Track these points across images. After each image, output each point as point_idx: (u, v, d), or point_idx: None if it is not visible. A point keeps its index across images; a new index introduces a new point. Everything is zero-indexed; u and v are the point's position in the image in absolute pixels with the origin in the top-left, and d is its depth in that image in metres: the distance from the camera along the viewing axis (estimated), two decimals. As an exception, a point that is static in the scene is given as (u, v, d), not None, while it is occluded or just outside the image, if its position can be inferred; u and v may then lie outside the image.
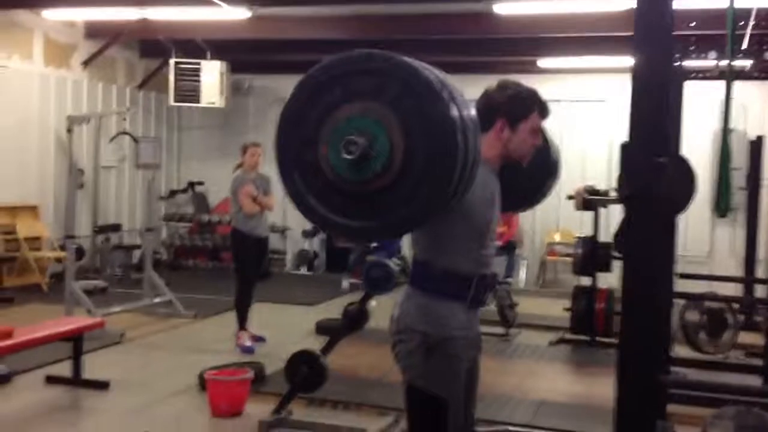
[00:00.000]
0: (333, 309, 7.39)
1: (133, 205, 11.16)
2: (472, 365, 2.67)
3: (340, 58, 2.22)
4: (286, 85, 11.59)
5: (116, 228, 10.53)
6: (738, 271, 9.09)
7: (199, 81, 10.22)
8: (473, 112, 2.29)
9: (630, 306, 2.01)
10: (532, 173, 2.87)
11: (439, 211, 2.21)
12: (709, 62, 4.76)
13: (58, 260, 9.05)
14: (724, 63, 4.72)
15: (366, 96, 2.17)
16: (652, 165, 1.95)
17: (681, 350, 6.32)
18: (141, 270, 8.43)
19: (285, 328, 7.40)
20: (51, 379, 5.35)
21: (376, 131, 2.13)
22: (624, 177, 2.02)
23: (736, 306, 6.78)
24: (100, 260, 10.44)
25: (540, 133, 2.68)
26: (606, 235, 7.36)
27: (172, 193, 12.00)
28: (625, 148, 2.00)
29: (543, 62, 10.04)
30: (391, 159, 2.13)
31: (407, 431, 2.56)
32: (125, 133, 9.94)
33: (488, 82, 2.67)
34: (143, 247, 8.48)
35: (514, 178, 2.74)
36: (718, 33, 4.39)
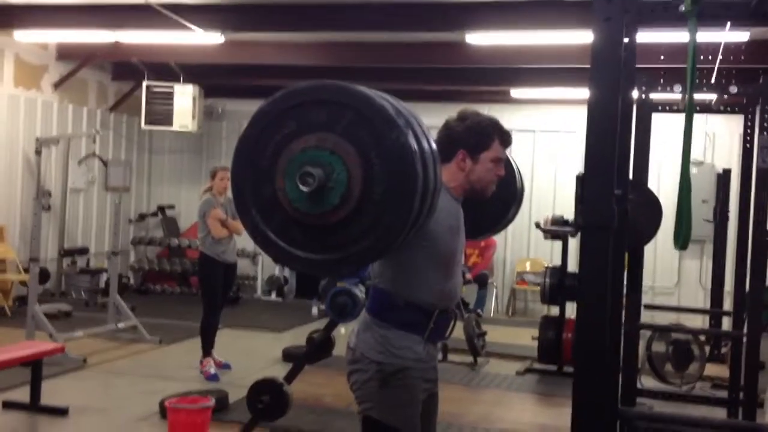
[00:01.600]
0: (302, 336, 7.31)
1: (101, 228, 11.02)
2: (430, 396, 2.64)
3: (290, 90, 2.20)
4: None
5: (83, 251, 10.40)
6: (705, 302, 9.16)
7: (171, 104, 10.16)
8: (432, 141, 2.27)
9: (583, 340, 1.99)
10: (496, 200, 2.87)
11: (400, 242, 2.18)
12: (676, 95, 4.81)
13: (23, 283, 8.89)
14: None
15: (320, 127, 2.15)
16: (605, 196, 1.95)
17: (647, 381, 6.33)
18: (107, 294, 8.30)
19: (252, 354, 7.31)
20: (8, 405, 5.24)
21: (333, 162, 2.11)
22: (578, 208, 2.01)
23: (702, 338, 6.82)
24: (65, 284, 10.29)
25: (503, 162, 2.66)
26: (576, 264, 7.37)
27: (142, 217, 11.87)
28: (580, 179, 1.99)
29: (516, 92, 10.12)
30: (349, 190, 2.10)
31: None
32: (95, 155, 9.85)
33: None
34: (109, 271, 8.36)
35: (478, 205, 2.74)
36: (685, 66, 4.45)
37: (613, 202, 2.02)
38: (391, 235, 2.14)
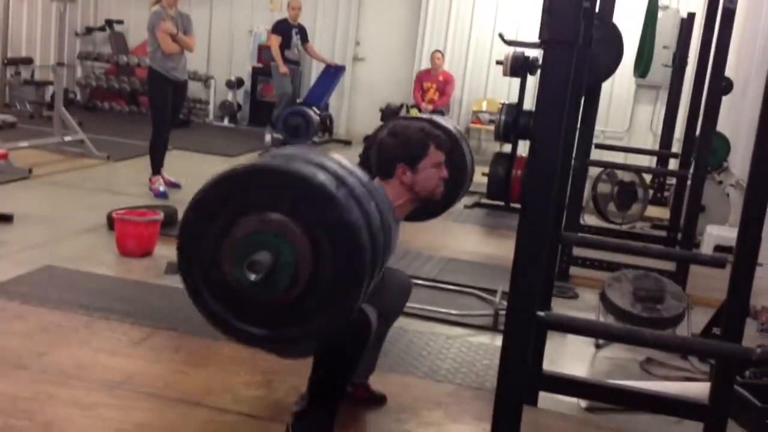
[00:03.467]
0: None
1: (46, 40, 10.55)
2: None
3: (225, 177, 2.16)
4: None
5: (27, 61, 9.99)
6: (655, 147, 9.30)
7: None
8: (376, 195, 2.27)
9: (537, 159, 1.97)
10: (448, 186, 2.92)
11: (356, 307, 2.22)
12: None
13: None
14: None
15: (262, 207, 2.11)
16: (573, 7, 1.87)
17: (589, 220, 6.51)
18: (52, 108, 8.05)
19: (202, 176, 7.04)
20: (-50, 210, 5.15)
21: (279, 244, 2.09)
22: (544, 18, 1.93)
23: (648, 180, 6.97)
24: (9, 95, 9.94)
25: (443, 164, 2.71)
26: (532, 104, 7.35)
27: (89, 31, 11.36)
28: (548, -13, 1.90)
29: None
30: (297, 271, 2.09)
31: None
32: (37, -41, 9.26)
33: None
34: (54, 83, 8.06)
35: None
36: None
37: (581, 16, 1.94)
38: (345, 308, 2.17)
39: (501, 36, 6.93)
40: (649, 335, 2.06)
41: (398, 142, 2.66)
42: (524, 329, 2.08)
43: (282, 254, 2.10)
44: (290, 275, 2.11)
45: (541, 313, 2.15)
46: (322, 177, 2.14)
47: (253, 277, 2.08)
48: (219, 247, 2.16)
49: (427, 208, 2.95)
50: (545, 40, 1.99)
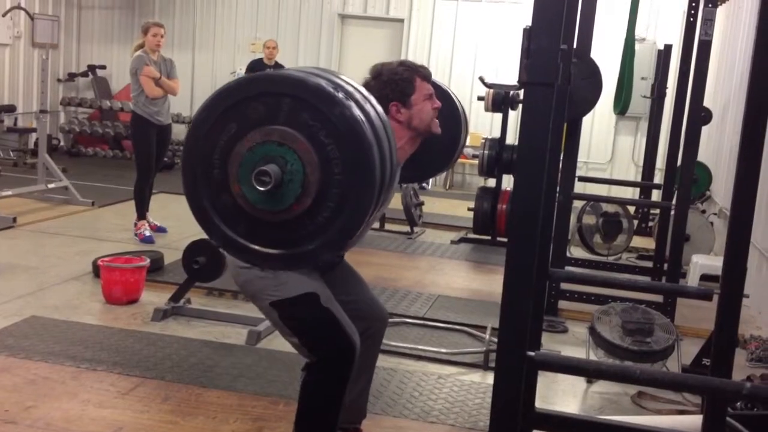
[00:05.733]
0: (238, 201, 7.26)
1: (28, 87, 10.56)
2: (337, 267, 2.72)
3: (221, 92, 2.12)
4: (194, -36, 10.76)
5: (10, 109, 9.99)
6: (637, 178, 9.38)
7: (100, -44, 9.57)
8: (376, 104, 2.25)
9: (521, 198, 1.99)
10: (445, 139, 2.88)
11: (369, 218, 2.16)
12: (624, -36, 4.72)
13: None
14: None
15: (262, 121, 2.07)
16: (551, 51, 1.90)
17: (575, 252, 6.53)
18: (36, 155, 8.03)
19: (188, 219, 7.07)
20: (-66, 262, 5.12)
21: (284, 154, 2.05)
22: (523, 61, 1.96)
23: (632, 211, 7.02)
24: (-8, 143, 9.93)
25: (433, 95, 2.68)
26: (515, 137, 7.42)
27: (71, 77, 11.39)
28: (526, 32, 1.93)
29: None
30: (306, 178, 2.05)
31: (300, 344, 2.49)
32: (20, 8, 9.30)
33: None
34: (38, 130, 8.05)
35: (428, 146, 2.76)
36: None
37: (558, 58, 1.97)
38: (358, 213, 2.10)
39: (481, 79, 7.01)
40: (640, 373, 2.05)
41: (384, 82, 2.60)
42: (515, 370, 2.08)
43: (288, 163, 2.05)
44: (300, 183, 2.05)
45: (531, 354, 2.14)
46: (318, 80, 2.09)
47: (262, 188, 2.02)
48: (224, 167, 2.11)
49: (431, 155, 2.86)
50: (525, 82, 2.02)
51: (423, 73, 2.66)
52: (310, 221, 2.11)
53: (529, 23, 2.00)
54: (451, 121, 2.99)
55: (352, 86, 2.21)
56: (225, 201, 2.14)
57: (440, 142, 2.85)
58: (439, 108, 2.68)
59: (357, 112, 2.07)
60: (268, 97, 2.08)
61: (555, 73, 1.99)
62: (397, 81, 2.60)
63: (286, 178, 2.05)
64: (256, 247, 2.16)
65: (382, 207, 2.46)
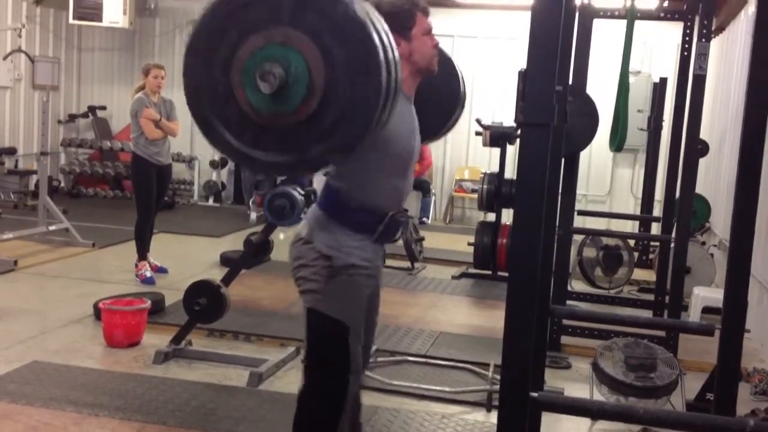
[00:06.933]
0: (240, 241, 7.22)
1: (29, 129, 10.63)
2: (373, 296, 2.66)
3: None
4: (193, 6, 11.14)
5: (11, 152, 10.03)
6: (636, 210, 9.41)
7: (101, -2, 9.69)
8: (378, 16, 2.17)
9: (520, 235, 2.00)
10: (441, 103, 2.84)
11: (374, 124, 2.08)
12: (617, 0, 4.78)
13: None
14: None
15: (264, 24, 2.02)
16: (547, 92, 1.92)
17: (577, 285, 6.53)
18: (37, 196, 8.06)
19: (189, 259, 7.26)
20: (-65, 308, 5.11)
21: (287, 54, 2.00)
22: (519, 103, 1.99)
23: (631, 244, 7.02)
24: (-7, 185, 9.96)
25: (431, 31, 2.63)
26: (513, 171, 7.45)
27: (72, 118, 11.47)
28: (522, 74, 1.96)
29: (458, -4, 9.94)
30: (312, 78, 2.00)
31: (306, 354, 2.53)
32: (20, 51, 9.40)
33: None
34: (39, 172, 8.09)
35: (423, 109, 2.70)
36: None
37: (554, 99, 2.00)
38: (365, 117, 2.05)
39: (478, 121, 7.06)
40: (643, 413, 2.05)
41: (386, 13, 2.47)
42: (518, 412, 2.07)
43: (292, 64, 1.99)
44: (306, 84, 1.99)
45: (534, 394, 2.14)
46: None
47: (267, 90, 1.98)
48: (227, 76, 2.06)
49: (425, 117, 2.74)
50: (522, 123, 2.04)
51: (422, 7, 2.60)
52: (316, 126, 2.06)
53: (524, 65, 2.04)
54: (453, 80, 2.94)
55: None
56: (229, 111, 2.10)
57: (441, 96, 2.78)
58: (437, 44, 2.62)
59: (359, 10, 2.01)
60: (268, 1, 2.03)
61: (551, 114, 2.02)
62: (397, 13, 2.53)
63: (290, 80, 2.00)
64: (263, 156, 2.12)
65: (414, 144, 2.44)
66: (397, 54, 2.17)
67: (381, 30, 2.08)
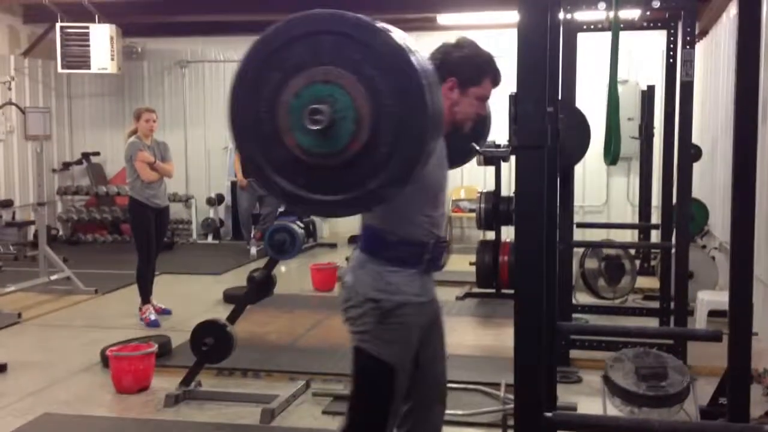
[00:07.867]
0: (242, 277, 7.25)
1: (24, 180, 10.66)
2: (432, 326, 2.66)
3: (259, 41, 2.07)
4: (181, 47, 11.23)
5: (7, 204, 10.06)
6: (634, 218, 9.41)
7: (88, 46, 9.72)
8: (418, 50, 2.15)
9: (522, 260, 2.02)
10: (471, 136, 2.86)
11: (426, 151, 2.07)
12: (600, 13, 4.82)
13: (-55, 241, 8.58)
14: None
15: (305, 65, 2.03)
16: (538, 115, 1.94)
17: (581, 297, 6.52)
18: (36, 247, 8.07)
19: (192, 299, 7.25)
20: (-58, 366, 5.09)
21: (331, 92, 2.00)
22: (512, 127, 2.01)
23: (632, 252, 7.03)
24: (-9, 239, 9.96)
25: (486, 101, 2.61)
26: (509, 189, 7.49)
27: (66, 166, 11.51)
28: (513, 98, 1.99)
29: (443, 18, 10.01)
30: (358, 112, 2.00)
31: (352, 395, 2.52)
32: (11, 103, 9.44)
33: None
34: (36, 223, 8.11)
35: (453, 139, 2.66)
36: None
37: (546, 121, 2.02)
38: (417, 141, 2.04)
39: (473, 147, 7.07)
40: (658, 425, 2.05)
41: (462, 56, 2.48)
42: (534, 433, 2.08)
43: (338, 101, 2.00)
44: (353, 119, 2.00)
45: (549, 414, 2.14)
46: (353, 14, 2.02)
47: (316, 126, 1.96)
48: (274, 120, 2.05)
49: (450, 151, 2.67)
50: (515, 147, 2.07)
51: (497, 78, 2.57)
52: (369, 159, 2.04)
53: (514, 88, 2.06)
54: (482, 126, 2.96)
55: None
56: (279, 155, 2.08)
57: (467, 139, 2.79)
58: (482, 115, 2.62)
59: (398, 40, 2.01)
60: (308, 38, 2.03)
61: (544, 137, 2.04)
62: (472, 64, 2.50)
63: (337, 116, 2.00)
64: (319, 197, 2.10)
65: (444, 175, 2.44)
66: (435, 79, 2.13)
67: (419, 56, 2.06)
